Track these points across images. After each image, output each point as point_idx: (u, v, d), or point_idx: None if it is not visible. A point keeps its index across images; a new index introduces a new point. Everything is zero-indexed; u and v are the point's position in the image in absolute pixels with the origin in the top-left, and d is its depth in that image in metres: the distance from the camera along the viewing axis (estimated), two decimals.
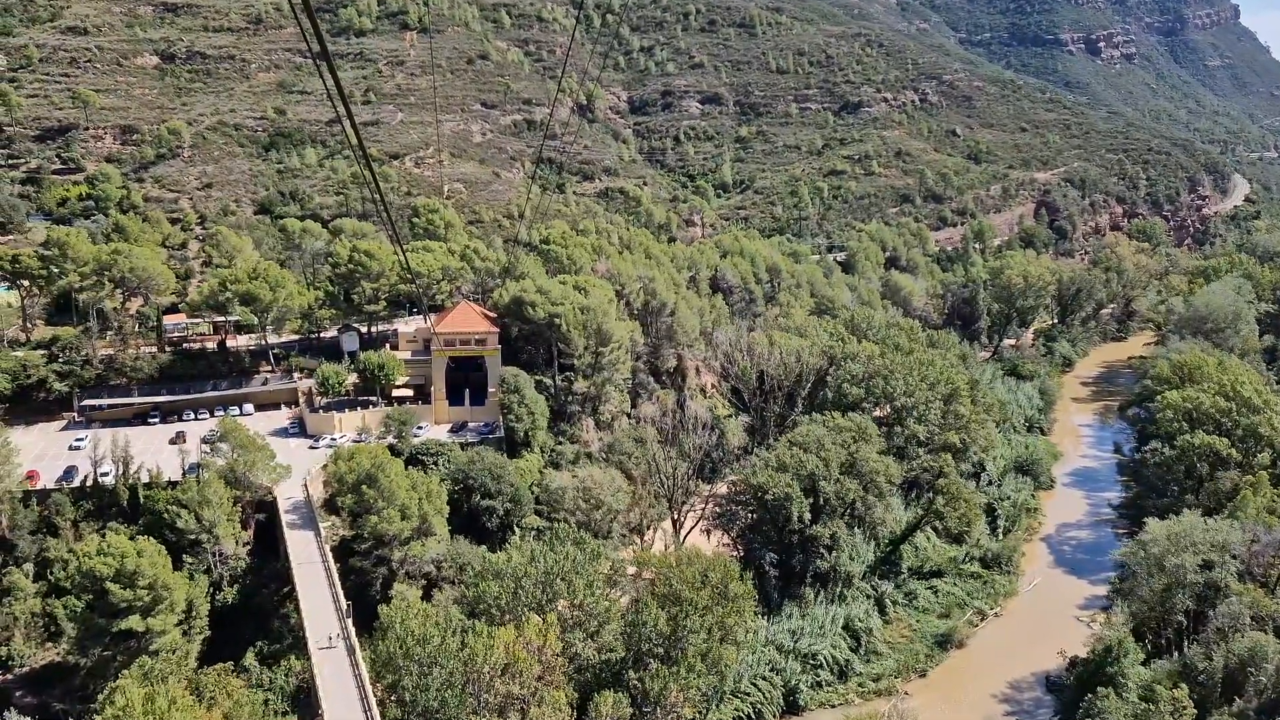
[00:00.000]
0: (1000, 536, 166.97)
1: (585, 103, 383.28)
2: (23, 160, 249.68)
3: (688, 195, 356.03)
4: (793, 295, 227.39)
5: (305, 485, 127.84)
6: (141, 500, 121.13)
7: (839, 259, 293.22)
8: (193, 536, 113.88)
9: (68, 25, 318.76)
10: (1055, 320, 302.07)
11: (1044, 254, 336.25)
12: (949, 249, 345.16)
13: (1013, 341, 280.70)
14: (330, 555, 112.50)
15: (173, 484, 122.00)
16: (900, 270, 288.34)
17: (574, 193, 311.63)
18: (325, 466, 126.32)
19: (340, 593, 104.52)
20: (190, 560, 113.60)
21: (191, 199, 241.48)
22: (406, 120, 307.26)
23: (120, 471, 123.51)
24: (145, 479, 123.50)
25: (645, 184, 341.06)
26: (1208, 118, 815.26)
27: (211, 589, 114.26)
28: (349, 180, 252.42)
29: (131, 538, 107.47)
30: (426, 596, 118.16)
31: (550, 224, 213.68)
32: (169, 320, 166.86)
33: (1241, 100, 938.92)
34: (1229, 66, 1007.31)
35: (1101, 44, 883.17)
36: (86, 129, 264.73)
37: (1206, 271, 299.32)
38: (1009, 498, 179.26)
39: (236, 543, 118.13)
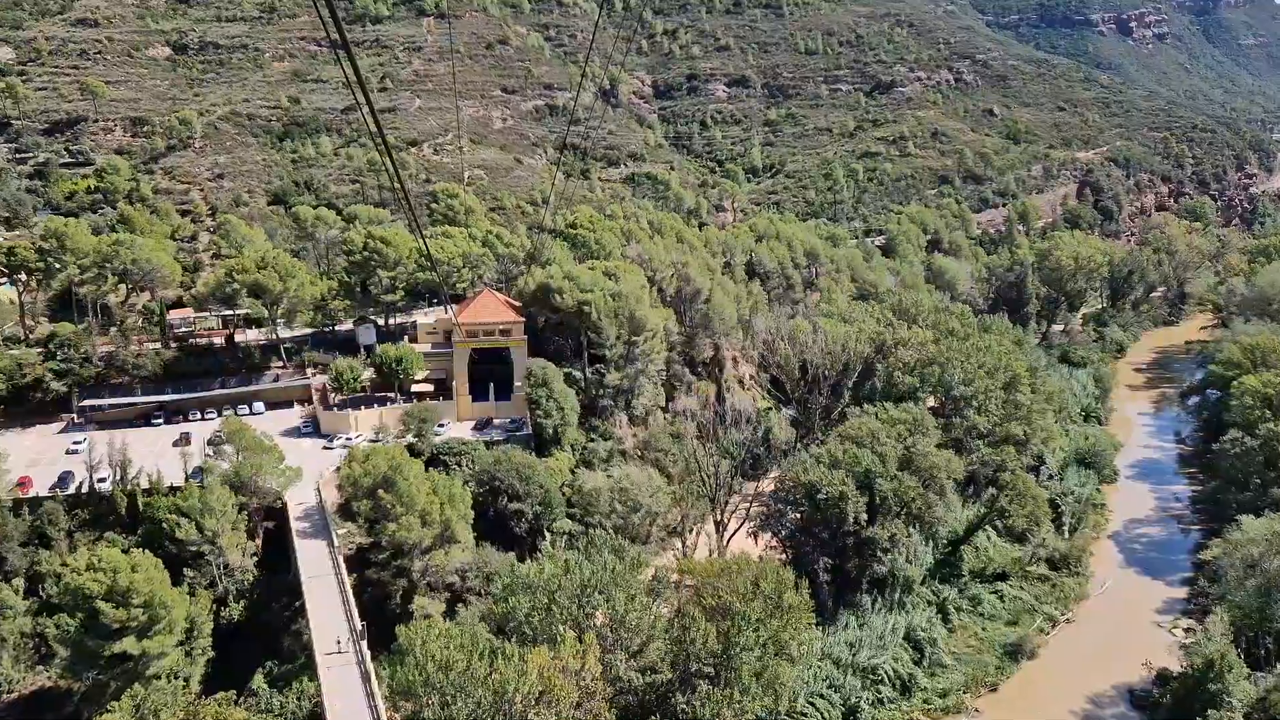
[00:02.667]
0: (1066, 535, 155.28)
1: (609, 88, 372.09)
2: (30, 154, 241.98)
3: (716, 180, 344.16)
4: (833, 280, 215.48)
5: (318, 489, 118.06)
6: (141, 508, 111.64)
7: (878, 243, 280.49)
8: (194, 548, 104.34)
9: (78, 17, 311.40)
10: (1105, 304, 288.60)
11: (1091, 235, 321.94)
12: (991, 231, 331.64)
13: (1061, 327, 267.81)
14: (344, 567, 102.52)
15: (175, 490, 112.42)
16: (942, 253, 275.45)
17: (599, 179, 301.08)
18: (339, 469, 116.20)
19: (354, 609, 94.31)
20: (191, 574, 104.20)
21: (203, 190, 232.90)
22: (424, 107, 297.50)
23: (118, 477, 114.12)
24: (145, 485, 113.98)
25: (672, 169, 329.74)
26: (1244, 97, 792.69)
27: (216, 605, 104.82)
28: (365, 168, 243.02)
29: (125, 550, 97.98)
30: (450, 611, 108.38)
31: (576, 209, 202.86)
32: (175, 315, 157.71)
33: (1278, 79, 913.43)
34: (1263, 45, 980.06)
35: (1133, 24, 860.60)
36: (96, 121, 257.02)
37: (1267, 250, 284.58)
38: (1073, 492, 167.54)
39: (243, 554, 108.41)
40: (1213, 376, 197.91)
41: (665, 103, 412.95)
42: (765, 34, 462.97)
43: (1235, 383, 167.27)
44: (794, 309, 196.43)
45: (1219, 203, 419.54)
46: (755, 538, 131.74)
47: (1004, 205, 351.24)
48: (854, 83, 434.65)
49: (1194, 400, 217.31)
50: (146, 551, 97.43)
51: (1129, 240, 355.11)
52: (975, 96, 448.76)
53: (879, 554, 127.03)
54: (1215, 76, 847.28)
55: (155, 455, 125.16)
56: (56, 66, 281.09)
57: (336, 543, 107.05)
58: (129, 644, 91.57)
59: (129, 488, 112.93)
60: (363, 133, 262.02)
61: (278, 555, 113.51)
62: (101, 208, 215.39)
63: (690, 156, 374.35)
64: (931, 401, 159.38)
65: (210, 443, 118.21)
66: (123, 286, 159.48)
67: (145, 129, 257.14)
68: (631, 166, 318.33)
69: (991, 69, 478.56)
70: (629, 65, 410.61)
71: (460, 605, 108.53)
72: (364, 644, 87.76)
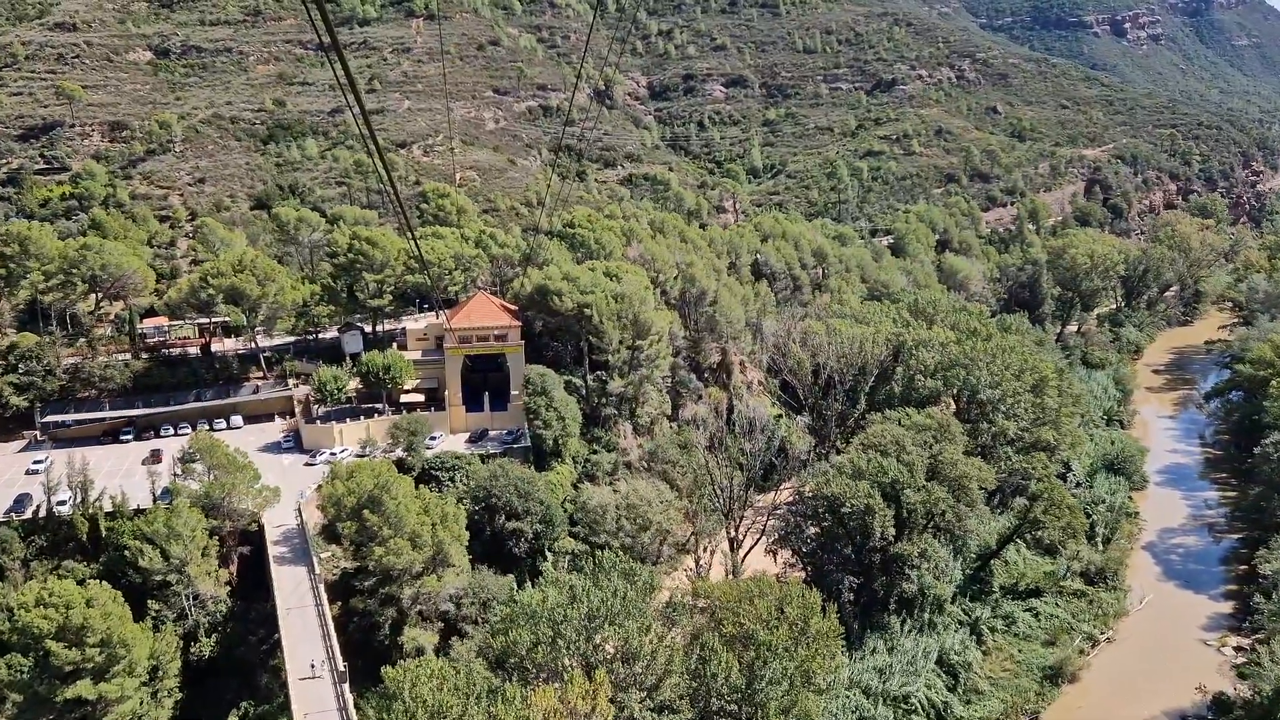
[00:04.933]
0: (1101, 546, 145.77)
1: (603, 89, 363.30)
2: (4, 160, 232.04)
3: (717, 181, 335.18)
4: (844, 280, 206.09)
5: (299, 510, 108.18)
6: (103, 534, 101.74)
7: (886, 242, 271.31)
8: (159, 577, 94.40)
9: (56, 21, 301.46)
10: (1119, 304, 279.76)
11: (1103, 233, 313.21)
12: (1000, 230, 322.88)
13: (1076, 327, 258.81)
14: (326, 596, 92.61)
15: (140, 513, 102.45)
16: (953, 253, 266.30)
17: (595, 180, 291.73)
18: (321, 488, 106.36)
19: (335, 646, 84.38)
20: (157, 606, 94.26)
21: (183, 195, 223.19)
22: (414, 108, 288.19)
23: (78, 499, 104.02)
24: (108, 507, 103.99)
25: (671, 169, 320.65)
26: (1239, 97, 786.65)
27: (185, 640, 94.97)
28: (351, 170, 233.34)
29: (83, 581, 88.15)
30: (444, 643, 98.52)
31: (573, 209, 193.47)
32: (148, 324, 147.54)
33: (1271, 80, 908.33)
34: (1257, 46, 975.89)
35: (1127, 25, 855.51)
36: (72, 126, 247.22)
37: None
38: (1104, 501, 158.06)
39: (215, 582, 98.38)
40: (1240, 377, 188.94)
41: (661, 103, 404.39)
42: (762, 33, 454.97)
43: (1274, 383, 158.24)
44: (803, 311, 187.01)
45: (1227, 200, 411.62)
46: (773, 555, 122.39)
47: (1012, 204, 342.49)
48: (854, 81, 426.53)
49: (1218, 402, 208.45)
50: (104, 584, 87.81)
51: (1139, 238, 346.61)
52: (977, 94, 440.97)
53: (907, 571, 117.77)
54: (1210, 77, 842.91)
55: (123, 474, 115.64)
56: (33, 71, 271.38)
57: (318, 569, 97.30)
58: (84, 688, 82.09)
59: (90, 511, 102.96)
60: (350, 135, 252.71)
61: (255, 583, 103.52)
62: (76, 214, 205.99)
63: (688, 158, 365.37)
64: (953, 407, 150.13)
65: (179, 461, 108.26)
66: (94, 295, 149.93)
67: (124, 134, 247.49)
68: (629, 167, 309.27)
69: (993, 67, 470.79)
70: (624, 66, 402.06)
71: (455, 637, 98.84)
72: (345, 687, 77.89)
